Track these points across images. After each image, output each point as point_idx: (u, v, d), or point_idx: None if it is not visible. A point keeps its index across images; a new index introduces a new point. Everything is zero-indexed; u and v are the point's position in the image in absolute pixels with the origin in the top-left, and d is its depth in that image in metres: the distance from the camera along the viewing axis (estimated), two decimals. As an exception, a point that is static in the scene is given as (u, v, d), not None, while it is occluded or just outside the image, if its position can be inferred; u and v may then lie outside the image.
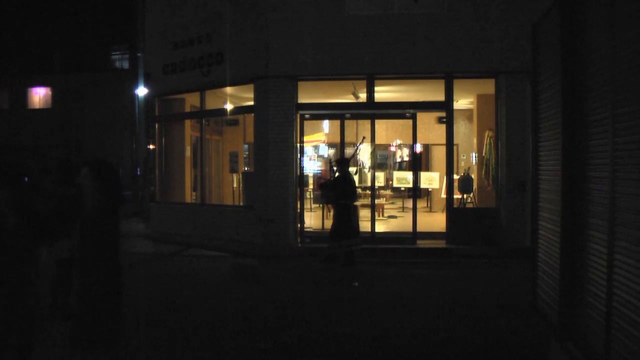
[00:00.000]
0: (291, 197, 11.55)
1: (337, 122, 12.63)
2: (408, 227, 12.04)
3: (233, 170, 14.17)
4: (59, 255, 6.48)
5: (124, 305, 4.01)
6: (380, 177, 17.01)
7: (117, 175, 4.11)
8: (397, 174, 17.29)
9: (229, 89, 12.97)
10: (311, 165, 16.55)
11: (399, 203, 17.70)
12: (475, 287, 8.59)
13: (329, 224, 11.31)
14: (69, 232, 4.08)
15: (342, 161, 10.48)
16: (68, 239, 5.83)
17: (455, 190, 13.32)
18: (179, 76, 13.42)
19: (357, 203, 15.23)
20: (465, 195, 13.70)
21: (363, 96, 12.61)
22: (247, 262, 10.37)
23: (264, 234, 11.62)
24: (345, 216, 10.04)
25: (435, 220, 14.15)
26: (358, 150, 13.32)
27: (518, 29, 10.80)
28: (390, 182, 17.97)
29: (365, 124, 16.11)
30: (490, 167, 12.81)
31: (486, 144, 13.32)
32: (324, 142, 17.58)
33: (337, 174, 10.38)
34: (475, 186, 13.94)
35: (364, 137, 12.62)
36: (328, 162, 13.22)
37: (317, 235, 11.92)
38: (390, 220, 14.85)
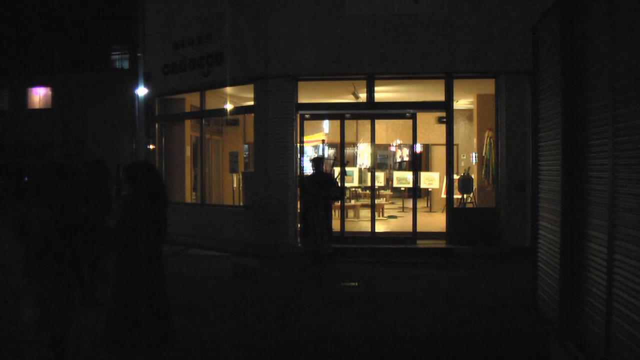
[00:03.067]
0: (291, 197, 11.54)
1: (337, 122, 12.62)
2: (408, 227, 12.04)
3: (233, 170, 14.17)
4: None
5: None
6: (380, 177, 17.01)
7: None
8: (397, 174, 17.28)
9: (229, 89, 12.96)
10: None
11: (399, 203, 17.70)
12: (475, 287, 8.58)
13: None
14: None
15: (316, 160, 10.34)
16: None
17: (455, 190, 13.32)
18: (179, 76, 13.42)
19: (357, 203, 15.33)
20: (465, 195, 13.70)
21: (363, 96, 12.60)
22: (247, 262, 10.36)
23: (264, 234, 11.61)
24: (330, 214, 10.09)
25: (435, 220, 14.14)
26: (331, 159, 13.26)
27: (518, 28, 10.80)
28: (390, 182, 17.97)
29: (365, 124, 16.15)
30: (490, 167, 12.81)
31: (486, 144, 13.32)
32: (324, 142, 17.59)
33: (312, 172, 10.30)
34: (475, 186, 13.94)
35: (323, 140, 12.52)
36: (329, 161, 13.21)
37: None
38: (390, 220, 14.85)
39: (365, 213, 14.24)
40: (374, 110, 12.20)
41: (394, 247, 11.33)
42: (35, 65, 37.07)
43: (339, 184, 11.42)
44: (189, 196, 14.76)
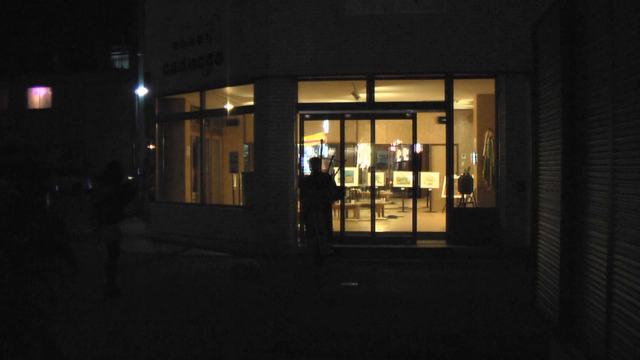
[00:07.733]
0: (291, 197, 11.54)
1: (337, 122, 12.62)
2: (408, 227, 12.04)
3: (233, 170, 14.17)
4: (110, 239, 7.75)
5: None
6: (380, 177, 17.01)
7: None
8: (397, 174, 17.29)
9: (229, 89, 12.97)
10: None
11: (399, 203, 17.70)
12: (475, 287, 8.58)
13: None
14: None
15: (313, 160, 10.16)
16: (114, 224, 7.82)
17: (455, 190, 13.32)
18: (179, 76, 13.43)
19: (357, 203, 15.33)
20: (465, 195, 13.70)
21: (363, 96, 12.60)
22: (246, 262, 10.37)
23: (264, 234, 11.62)
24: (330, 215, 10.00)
25: (435, 220, 14.15)
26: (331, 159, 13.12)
27: (518, 28, 10.81)
28: (390, 182, 17.97)
29: (365, 124, 16.15)
30: (490, 167, 12.81)
31: (486, 144, 13.32)
32: (322, 142, 17.59)
33: (308, 173, 10.25)
34: (475, 186, 13.93)
35: (322, 140, 12.43)
36: (328, 161, 13.18)
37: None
38: (390, 220, 14.85)
39: (365, 213, 14.24)
40: (374, 110, 12.20)
41: (394, 247, 11.34)
42: (35, 65, 37.10)
43: (338, 184, 11.36)
44: (189, 196, 14.77)
